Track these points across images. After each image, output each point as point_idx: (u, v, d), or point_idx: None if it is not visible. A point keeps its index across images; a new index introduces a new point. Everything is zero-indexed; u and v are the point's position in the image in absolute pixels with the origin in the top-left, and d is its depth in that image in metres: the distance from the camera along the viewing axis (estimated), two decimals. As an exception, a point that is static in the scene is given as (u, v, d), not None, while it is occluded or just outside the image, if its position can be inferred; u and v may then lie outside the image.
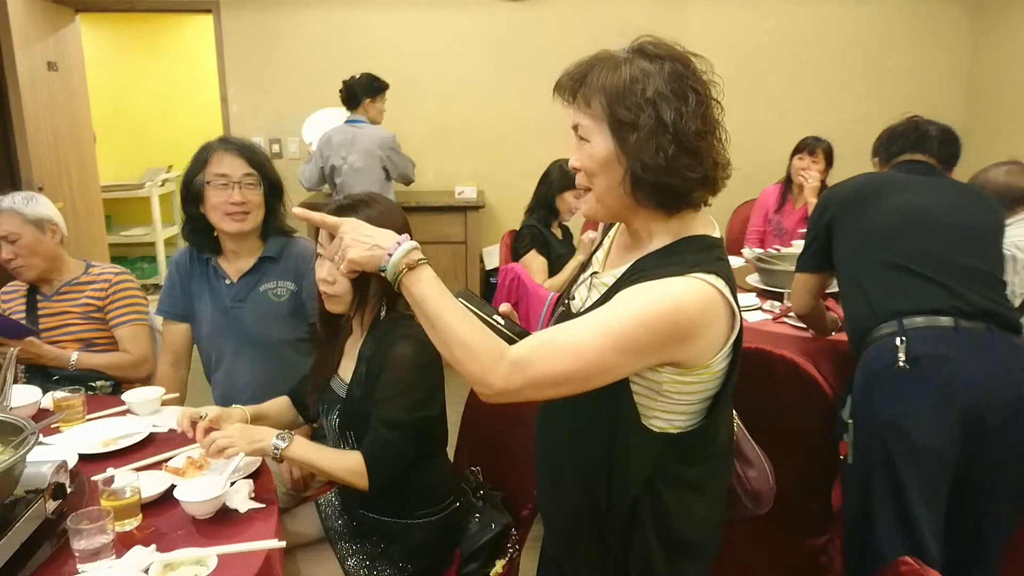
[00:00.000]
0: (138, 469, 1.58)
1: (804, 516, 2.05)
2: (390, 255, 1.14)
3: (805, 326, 2.46)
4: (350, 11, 4.62)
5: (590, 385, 1.10)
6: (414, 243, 1.15)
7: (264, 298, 2.12)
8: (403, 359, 1.56)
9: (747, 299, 2.83)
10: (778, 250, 3.53)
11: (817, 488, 2.04)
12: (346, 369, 1.70)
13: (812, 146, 3.97)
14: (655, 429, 1.16)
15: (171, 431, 1.79)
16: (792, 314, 2.55)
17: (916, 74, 4.93)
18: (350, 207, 1.60)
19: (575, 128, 1.18)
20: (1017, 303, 2.04)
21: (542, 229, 3.38)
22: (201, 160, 2.08)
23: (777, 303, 2.78)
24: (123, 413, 1.90)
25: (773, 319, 2.66)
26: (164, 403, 1.93)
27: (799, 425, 1.98)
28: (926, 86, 4.94)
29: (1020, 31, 4.52)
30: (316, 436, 1.92)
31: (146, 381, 2.30)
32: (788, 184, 4.05)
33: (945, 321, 1.80)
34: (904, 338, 1.80)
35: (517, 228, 3.55)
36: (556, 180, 3.40)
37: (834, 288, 2.35)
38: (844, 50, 4.88)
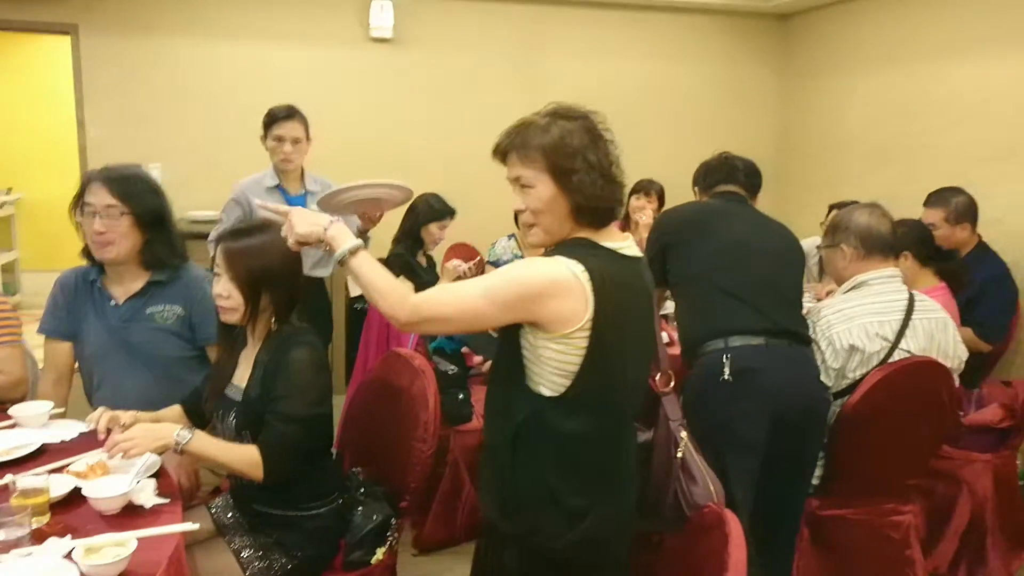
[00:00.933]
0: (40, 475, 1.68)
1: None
2: (325, 229, 1.54)
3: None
4: (218, 41, 4.70)
5: (471, 326, 1.52)
6: (341, 227, 1.56)
7: (151, 320, 2.23)
8: (300, 362, 1.77)
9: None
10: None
11: None
12: (241, 376, 1.88)
13: (647, 188, 4.51)
14: (532, 389, 1.52)
15: (63, 443, 1.88)
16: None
17: (736, 126, 5.60)
18: (246, 232, 1.81)
19: (516, 180, 1.54)
20: (843, 386, 2.35)
21: (409, 258, 3.63)
22: (82, 187, 2.16)
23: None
24: (11, 427, 1.97)
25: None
26: (51, 417, 2.01)
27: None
28: (744, 137, 5.58)
29: (819, 92, 5.28)
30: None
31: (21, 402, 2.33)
32: (627, 221, 4.53)
33: (758, 340, 2.20)
34: (729, 355, 2.17)
35: (384, 256, 3.78)
36: (423, 213, 3.67)
37: (667, 310, 2.75)
38: (673, 102, 5.49)
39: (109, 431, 1.76)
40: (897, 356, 2.33)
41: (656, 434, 1.83)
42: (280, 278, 1.83)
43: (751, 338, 2.20)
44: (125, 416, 1.79)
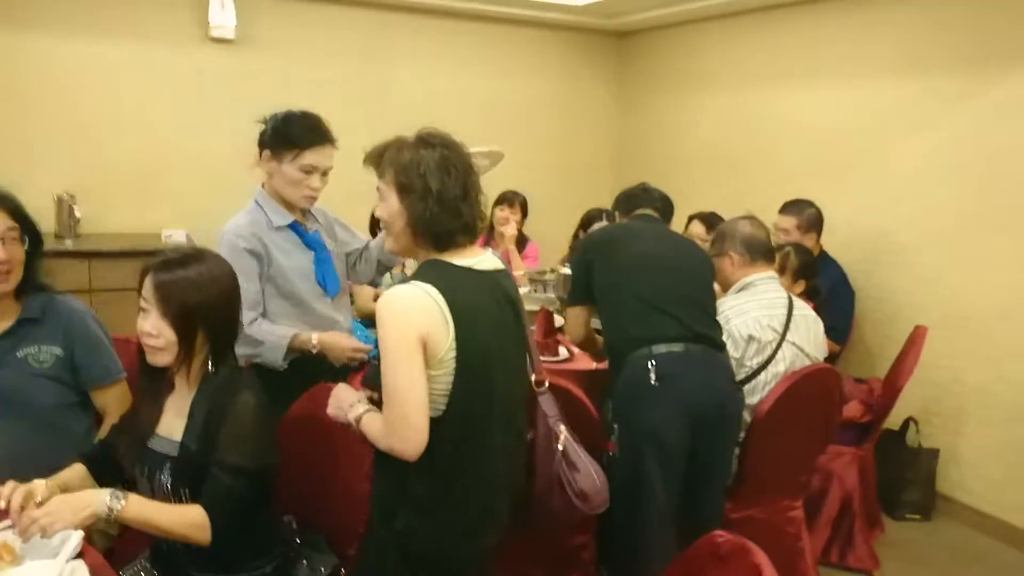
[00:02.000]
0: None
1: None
2: (357, 421, 1.66)
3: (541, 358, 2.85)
4: (36, 34, 4.11)
5: (422, 400, 1.52)
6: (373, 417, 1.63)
7: (23, 364, 1.91)
8: (245, 408, 1.59)
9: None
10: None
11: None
12: (170, 427, 1.65)
13: (511, 199, 4.53)
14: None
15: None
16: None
17: (577, 138, 5.80)
18: (179, 262, 1.59)
19: (378, 188, 1.67)
20: (742, 375, 2.55)
21: None
22: None
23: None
24: None
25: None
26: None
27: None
28: (585, 149, 5.84)
29: (659, 109, 5.58)
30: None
31: None
32: (491, 231, 4.52)
33: (678, 347, 2.33)
34: (653, 361, 2.29)
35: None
36: None
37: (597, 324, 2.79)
38: (516, 113, 5.55)
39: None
40: (785, 347, 2.58)
41: (536, 432, 1.89)
42: (219, 314, 1.62)
43: (672, 345, 2.33)
44: (40, 489, 1.49)
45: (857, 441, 3.10)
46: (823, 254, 3.77)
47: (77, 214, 4.12)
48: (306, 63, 4.77)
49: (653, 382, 2.26)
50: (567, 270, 3.61)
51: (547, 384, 1.93)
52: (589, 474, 1.84)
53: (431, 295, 1.53)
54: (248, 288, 2.11)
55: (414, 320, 1.51)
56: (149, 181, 4.43)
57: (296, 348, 2.24)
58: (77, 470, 1.72)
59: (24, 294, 1.93)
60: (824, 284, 3.39)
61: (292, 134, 2.27)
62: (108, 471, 1.73)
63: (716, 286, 2.93)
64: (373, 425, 1.61)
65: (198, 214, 4.47)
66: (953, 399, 3.54)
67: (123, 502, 1.46)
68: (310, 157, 2.27)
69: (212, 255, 1.67)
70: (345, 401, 1.71)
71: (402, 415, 1.51)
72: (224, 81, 4.56)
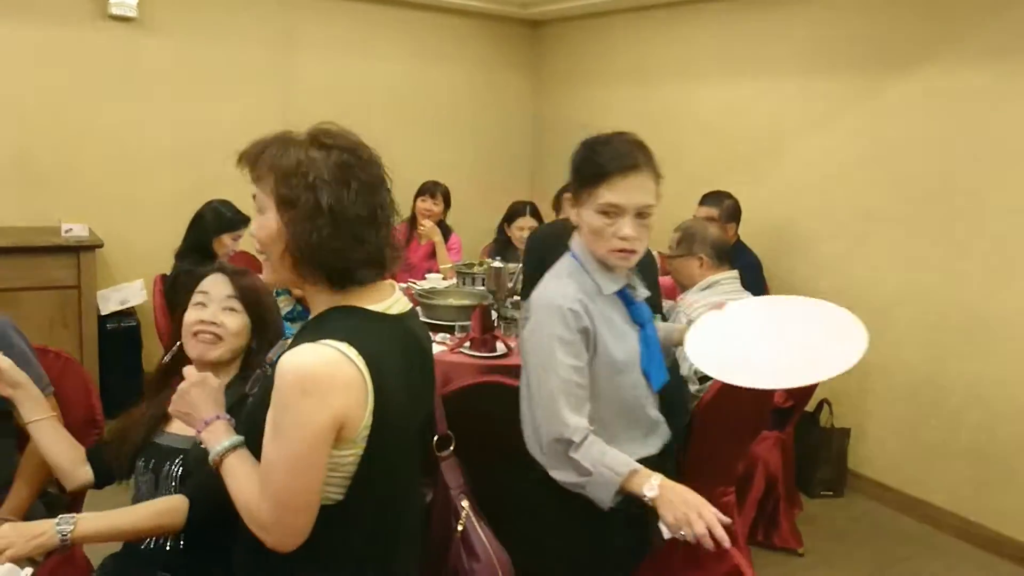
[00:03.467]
0: None
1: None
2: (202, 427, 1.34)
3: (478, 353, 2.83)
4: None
5: (313, 500, 1.19)
6: (224, 423, 1.34)
7: None
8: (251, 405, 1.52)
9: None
10: (414, 284, 3.87)
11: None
12: (184, 425, 1.56)
13: (431, 190, 4.46)
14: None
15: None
16: (468, 344, 2.91)
17: (493, 128, 5.78)
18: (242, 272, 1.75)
19: (254, 197, 1.28)
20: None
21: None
22: None
23: (447, 335, 3.11)
24: None
25: (449, 350, 2.97)
26: None
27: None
28: (501, 139, 5.82)
29: (573, 99, 5.62)
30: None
31: None
32: (413, 223, 4.46)
33: None
34: None
35: (165, 272, 3.32)
36: (211, 223, 3.28)
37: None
38: (430, 102, 5.47)
39: None
40: None
41: (434, 500, 1.66)
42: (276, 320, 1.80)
43: None
44: None
45: (779, 425, 3.24)
46: (739, 243, 3.92)
47: (-38, 207, 3.80)
48: (209, 45, 4.53)
49: None
50: (497, 263, 3.61)
51: (452, 447, 1.66)
52: (492, 565, 1.57)
53: (353, 360, 1.17)
54: (572, 381, 1.57)
55: (333, 402, 1.15)
56: (42, 170, 4.12)
57: (628, 491, 1.54)
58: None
59: None
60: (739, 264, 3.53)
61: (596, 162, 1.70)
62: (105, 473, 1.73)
63: (666, 279, 3.04)
64: (242, 489, 1.24)
65: (99, 206, 4.20)
66: (860, 380, 3.76)
67: (72, 524, 1.38)
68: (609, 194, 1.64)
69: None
70: (201, 410, 1.35)
71: (288, 516, 1.18)
72: (123, 64, 4.28)
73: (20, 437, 1.95)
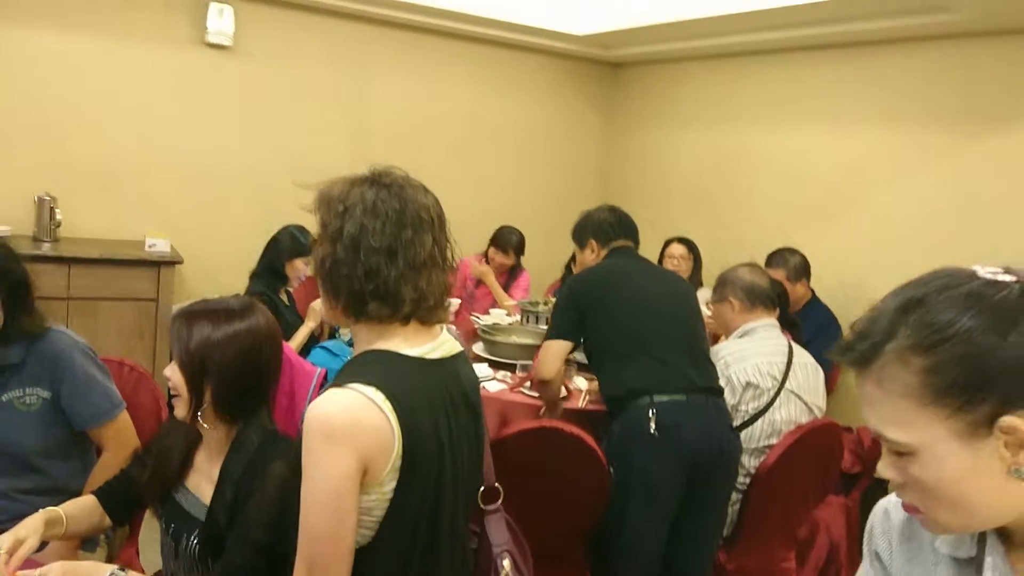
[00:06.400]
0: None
1: (566, 563, 2.37)
2: None
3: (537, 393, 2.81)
4: (20, 28, 3.97)
5: (345, 544, 1.18)
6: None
7: (10, 407, 1.82)
8: (277, 478, 1.46)
9: (481, 369, 3.08)
10: (478, 318, 3.87)
11: (579, 536, 2.39)
12: (199, 486, 1.57)
13: (506, 245, 4.40)
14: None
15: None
16: (528, 384, 2.89)
17: (563, 166, 5.79)
18: (206, 313, 1.53)
19: None
20: (738, 421, 2.55)
21: (272, 295, 3.31)
22: None
23: (509, 373, 3.10)
24: None
25: (509, 389, 2.96)
26: None
27: (575, 487, 2.29)
28: (570, 176, 5.83)
29: (646, 141, 5.61)
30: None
31: None
32: (487, 261, 4.48)
33: (680, 397, 2.33)
34: (654, 410, 2.29)
35: (239, 291, 3.40)
36: (286, 247, 3.37)
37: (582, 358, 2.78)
38: (501, 138, 5.51)
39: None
40: (783, 394, 2.58)
41: (478, 556, 1.62)
42: (230, 373, 1.52)
43: (674, 395, 2.33)
44: (27, 530, 1.41)
45: (845, 490, 3.12)
46: (814, 299, 3.81)
47: (58, 217, 3.98)
48: (293, 73, 4.68)
49: (652, 431, 2.27)
50: (560, 302, 3.59)
51: (500, 501, 1.62)
52: None
53: (379, 406, 1.17)
54: None
55: (358, 446, 1.15)
56: (134, 186, 4.30)
57: None
58: (86, 502, 1.65)
59: (7, 342, 1.81)
60: (799, 323, 3.42)
61: None
62: (123, 505, 1.67)
63: (711, 325, 2.98)
64: None
65: (183, 223, 4.36)
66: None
67: None
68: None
69: (253, 312, 1.57)
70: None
71: (324, 567, 1.18)
72: (216, 88, 4.46)
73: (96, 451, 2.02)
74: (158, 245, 4.01)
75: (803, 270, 3.75)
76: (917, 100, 3.80)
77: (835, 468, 2.65)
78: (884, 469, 0.87)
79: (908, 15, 3.50)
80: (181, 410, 1.53)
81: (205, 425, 1.55)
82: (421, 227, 1.28)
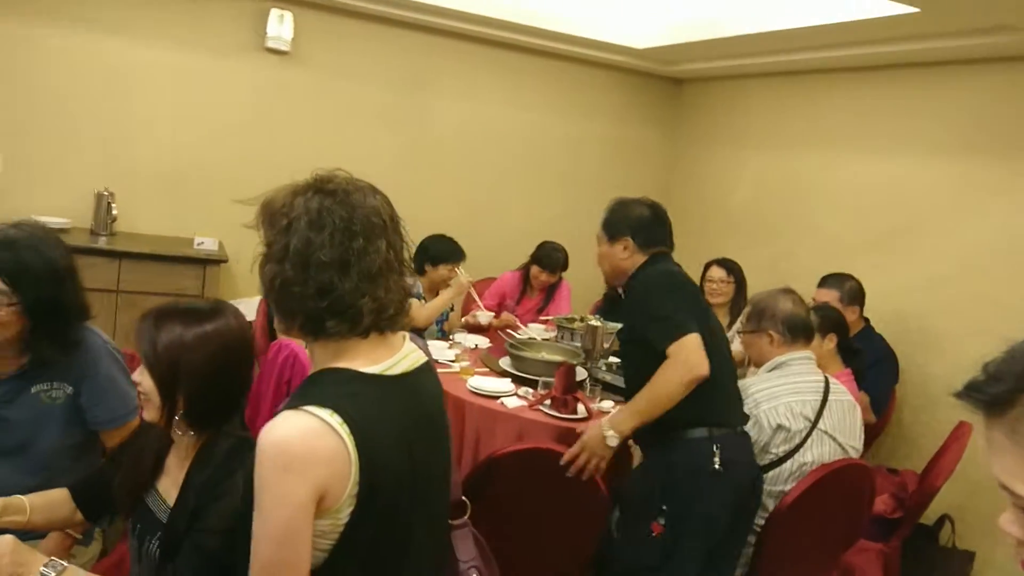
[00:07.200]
0: None
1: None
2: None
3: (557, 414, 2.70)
4: (90, 34, 4.14)
5: (297, 571, 1.12)
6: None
7: (37, 400, 1.84)
8: (242, 487, 1.39)
9: (502, 384, 3.01)
10: (513, 334, 3.80)
11: (580, 557, 2.30)
12: (168, 489, 1.54)
13: (552, 264, 4.29)
14: None
15: None
16: (547, 402, 2.80)
17: (621, 183, 5.64)
18: (177, 313, 1.50)
19: None
20: (766, 461, 2.39)
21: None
22: None
23: (531, 389, 3.01)
24: None
25: (528, 406, 2.88)
26: None
27: (573, 508, 2.21)
28: (630, 191, 5.62)
29: (707, 161, 5.46)
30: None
31: None
32: (526, 278, 4.40)
33: (739, 430, 2.25)
34: (717, 444, 2.15)
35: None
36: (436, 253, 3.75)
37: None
38: (558, 152, 5.44)
39: None
40: (815, 435, 2.42)
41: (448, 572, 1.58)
42: (201, 378, 1.47)
43: (733, 429, 2.22)
44: None
45: (884, 536, 2.91)
46: (867, 328, 3.61)
47: (114, 211, 4.13)
48: (349, 81, 4.74)
49: (717, 467, 2.12)
50: (595, 321, 3.49)
51: (468, 515, 1.57)
52: None
53: (336, 430, 1.10)
54: None
55: (314, 475, 1.09)
56: (187, 185, 4.42)
57: None
58: (56, 495, 1.64)
59: (34, 348, 1.80)
60: (864, 351, 3.24)
61: None
62: (96, 502, 1.65)
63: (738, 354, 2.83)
64: None
65: (232, 224, 4.44)
66: (992, 500, 3.32)
67: (57, 571, 1.32)
68: None
69: (224, 313, 1.52)
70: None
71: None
72: (273, 93, 4.56)
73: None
74: (206, 243, 4.10)
75: (856, 296, 3.56)
76: (984, 130, 3.57)
77: (864, 511, 2.46)
78: (1007, 524, 0.81)
79: (985, 35, 3.28)
80: (151, 414, 1.50)
81: (177, 431, 1.52)
82: (373, 233, 1.20)
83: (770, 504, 2.36)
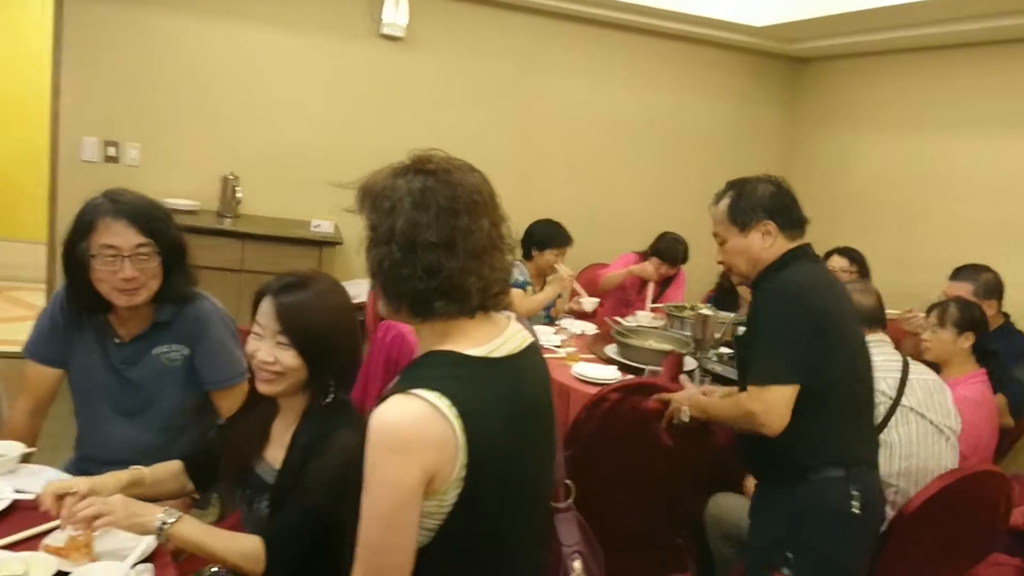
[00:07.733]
0: (8, 547, 1.40)
1: (668, 551, 2.23)
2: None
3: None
4: (217, 21, 4.35)
5: (405, 555, 1.15)
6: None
7: (158, 362, 1.95)
8: (342, 446, 1.47)
9: (608, 372, 2.96)
10: (620, 320, 3.73)
11: (681, 521, 2.22)
12: (275, 454, 1.61)
13: (673, 257, 4.15)
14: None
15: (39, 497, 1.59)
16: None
17: (738, 165, 5.39)
18: (299, 284, 1.56)
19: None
20: None
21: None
22: (85, 225, 1.79)
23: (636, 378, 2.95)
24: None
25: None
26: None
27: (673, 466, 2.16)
28: (752, 174, 5.48)
29: (828, 142, 5.18)
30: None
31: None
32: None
33: (875, 471, 2.01)
34: (856, 488, 1.90)
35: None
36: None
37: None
38: (674, 133, 5.32)
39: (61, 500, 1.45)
40: (900, 412, 2.30)
41: (550, 557, 1.54)
42: (347, 343, 1.59)
43: (871, 468, 1.99)
44: (81, 486, 1.47)
45: (1020, 551, 2.69)
46: (1006, 324, 3.34)
47: (239, 195, 4.32)
48: (462, 64, 4.77)
49: (856, 511, 1.88)
50: (707, 310, 3.38)
51: (572, 499, 1.54)
52: None
53: (444, 414, 1.11)
54: None
55: (422, 460, 1.11)
56: (304, 170, 4.57)
57: None
58: (168, 468, 1.73)
59: (162, 301, 1.92)
60: (1002, 349, 3.02)
61: None
62: (206, 473, 1.74)
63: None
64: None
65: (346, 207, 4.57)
66: None
67: (175, 519, 1.42)
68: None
69: (330, 279, 1.61)
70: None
71: (382, 571, 1.16)
72: (387, 79, 4.64)
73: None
74: (322, 226, 4.23)
75: (994, 289, 3.29)
76: None
77: (998, 523, 2.27)
78: None
79: None
80: (279, 387, 1.54)
81: (292, 397, 1.59)
82: (475, 211, 1.20)
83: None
